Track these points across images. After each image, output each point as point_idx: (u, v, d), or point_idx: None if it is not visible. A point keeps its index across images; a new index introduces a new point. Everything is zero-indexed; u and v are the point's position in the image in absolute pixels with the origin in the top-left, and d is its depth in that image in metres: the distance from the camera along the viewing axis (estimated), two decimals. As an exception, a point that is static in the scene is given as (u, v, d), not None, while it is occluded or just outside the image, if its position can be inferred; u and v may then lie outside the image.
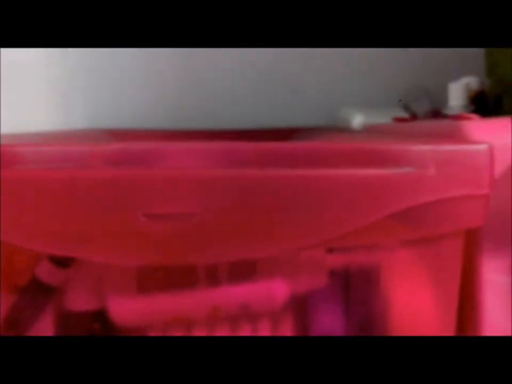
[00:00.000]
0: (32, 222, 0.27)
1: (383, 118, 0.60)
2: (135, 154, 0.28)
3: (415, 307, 0.33)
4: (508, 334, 0.36)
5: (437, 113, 0.58)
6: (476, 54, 0.63)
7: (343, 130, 0.56)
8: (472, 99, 0.54)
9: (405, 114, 0.64)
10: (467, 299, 0.35)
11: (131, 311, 0.30)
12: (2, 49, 0.65)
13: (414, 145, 0.28)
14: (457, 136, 0.33)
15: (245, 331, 0.32)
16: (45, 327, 0.31)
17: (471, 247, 0.33)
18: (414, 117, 0.61)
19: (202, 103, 0.68)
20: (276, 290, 0.31)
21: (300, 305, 0.32)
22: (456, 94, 0.53)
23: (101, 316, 0.31)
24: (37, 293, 0.30)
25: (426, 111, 0.62)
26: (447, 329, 0.34)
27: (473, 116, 0.37)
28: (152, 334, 0.31)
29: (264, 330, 0.32)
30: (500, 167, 0.33)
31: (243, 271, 0.29)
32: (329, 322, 0.33)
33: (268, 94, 0.69)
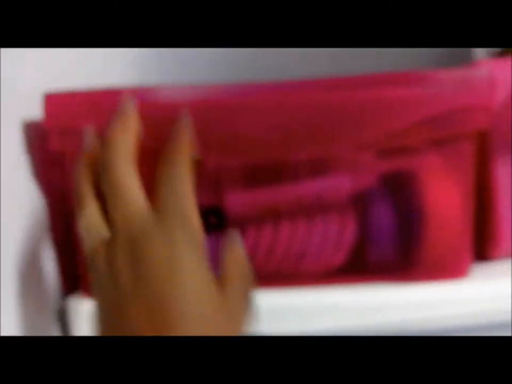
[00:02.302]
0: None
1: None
2: (248, 89, 0.41)
3: (443, 203, 0.44)
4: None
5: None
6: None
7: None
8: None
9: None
10: (485, 194, 0.46)
11: (238, 203, 0.43)
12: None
13: (434, 73, 0.40)
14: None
15: (320, 220, 0.44)
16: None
17: (484, 149, 0.44)
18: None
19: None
20: (341, 185, 0.43)
21: (359, 201, 0.44)
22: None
23: (216, 210, 0.44)
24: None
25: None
26: (467, 220, 0.44)
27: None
28: (252, 222, 0.43)
29: (334, 220, 0.44)
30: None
31: (316, 169, 0.42)
32: (382, 216, 0.45)
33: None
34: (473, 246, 0.47)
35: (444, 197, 0.44)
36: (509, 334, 0.43)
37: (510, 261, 0.47)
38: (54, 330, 0.45)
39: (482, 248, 0.48)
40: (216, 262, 0.44)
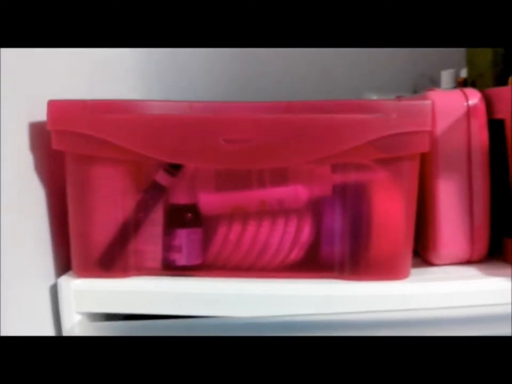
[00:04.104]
0: (158, 143, 0.47)
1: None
2: (220, 106, 0.48)
3: (388, 212, 0.51)
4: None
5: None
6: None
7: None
8: (459, 83, 0.71)
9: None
10: (427, 207, 0.53)
11: (211, 203, 0.50)
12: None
13: (384, 101, 0.46)
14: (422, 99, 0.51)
15: (281, 221, 0.50)
16: (158, 215, 0.51)
17: (427, 168, 0.51)
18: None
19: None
20: (300, 193, 0.49)
21: (315, 207, 0.51)
22: (447, 79, 0.71)
23: (193, 207, 0.50)
24: (155, 191, 0.50)
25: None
26: (409, 229, 0.51)
27: (438, 89, 0.55)
28: (223, 220, 0.50)
29: (292, 222, 0.51)
30: (453, 115, 0.50)
31: (279, 178, 0.49)
32: (334, 221, 0.51)
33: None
34: (419, 254, 0.54)
35: (389, 208, 0.50)
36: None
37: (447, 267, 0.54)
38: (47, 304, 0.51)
39: (426, 255, 0.55)
40: (191, 252, 0.51)
